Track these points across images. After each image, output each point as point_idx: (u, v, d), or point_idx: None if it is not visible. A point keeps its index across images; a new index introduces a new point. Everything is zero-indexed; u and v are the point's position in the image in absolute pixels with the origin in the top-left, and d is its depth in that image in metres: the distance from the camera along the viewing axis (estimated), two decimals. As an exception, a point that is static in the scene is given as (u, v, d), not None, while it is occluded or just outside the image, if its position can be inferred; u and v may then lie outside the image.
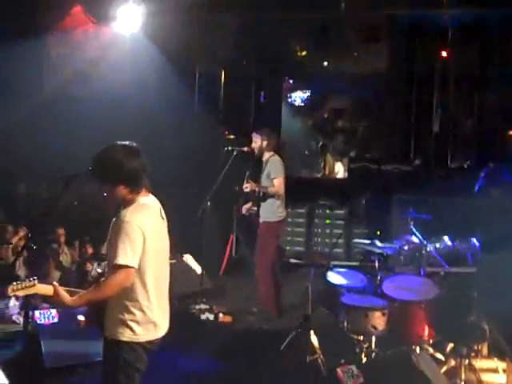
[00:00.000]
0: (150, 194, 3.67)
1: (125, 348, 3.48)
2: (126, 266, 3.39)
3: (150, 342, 3.54)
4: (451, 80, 11.59)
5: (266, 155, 7.08)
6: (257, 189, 6.93)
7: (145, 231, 3.44)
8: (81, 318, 5.70)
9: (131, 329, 3.48)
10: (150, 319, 3.52)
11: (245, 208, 7.24)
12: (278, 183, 6.91)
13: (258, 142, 7.07)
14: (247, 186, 6.95)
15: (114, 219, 3.52)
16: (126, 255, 3.38)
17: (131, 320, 3.48)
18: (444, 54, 11.65)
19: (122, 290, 3.44)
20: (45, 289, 3.48)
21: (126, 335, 3.48)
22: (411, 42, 11.79)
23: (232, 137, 11.54)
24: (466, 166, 10.94)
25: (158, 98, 9.21)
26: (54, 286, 3.47)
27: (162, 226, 3.69)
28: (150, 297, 3.51)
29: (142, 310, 3.50)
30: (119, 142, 3.59)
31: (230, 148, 7.37)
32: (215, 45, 11.02)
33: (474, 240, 6.10)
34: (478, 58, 11.51)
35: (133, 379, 3.53)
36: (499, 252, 5.89)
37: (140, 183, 3.56)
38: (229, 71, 11.63)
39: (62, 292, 3.47)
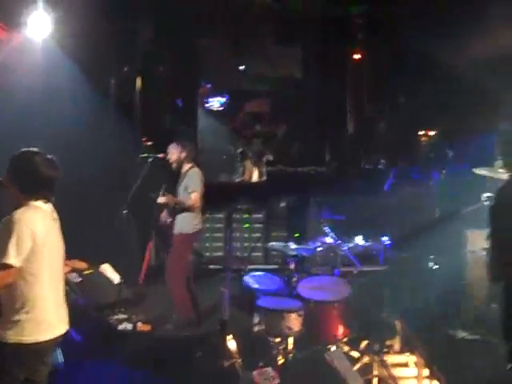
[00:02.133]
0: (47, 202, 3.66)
1: (6, 350, 3.44)
2: (7, 265, 3.37)
3: (40, 343, 3.50)
4: (364, 82, 11.90)
5: (185, 166, 7.05)
6: (172, 202, 6.91)
7: (35, 231, 3.45)
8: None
9: (19, 329, 3.44)
10: (40, 320, 3.49)
11: (162, 218, 7.20)
12: (194, 197, 6.88)
13: (175, 153, 7.03)
14: (162, 199, 6.92)
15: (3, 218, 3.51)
16: (8, 254, 3.37)
17: (19, 320, 3.45)
18: (357, 56, 11.95)
19: (7, 289, 3.43)
20: None
21: (10, 336, 3.44)
22: (324, 45, 12.01)
23: (149, 143, 11.44)
24: (378, 167, 11.24)
25: (71, 105, 9.02)
26: None
27: (54, 227, 3.69)
28: (41, 296, 3.50)
29: (32, 311, 3.47)
30: (35, 150, 3.64)
31: (145, 155, 7.31)
32: (130, 51, 10.92)
33: (386, 238, 6.27)
34: (390, 61, 11.86)
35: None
36: (409, 250, 6.08)
37: (42, 191, 3.60)
38: (144, 77, 11.53)
39: None
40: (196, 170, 7.05)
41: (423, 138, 11.57)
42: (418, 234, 6.13)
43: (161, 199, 6.93)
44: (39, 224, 3.51)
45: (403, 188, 7.88)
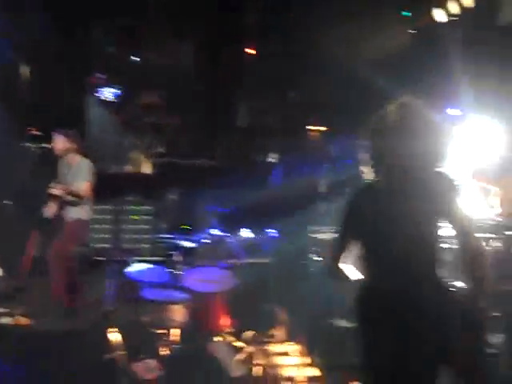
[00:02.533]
0: None
1: None
2: None
3: None
4: (255, 77, 12.02)
5: (73, 157, 6.90)
6: (64, 192, 6.74)
7: None
8: None
9: None
10: None
11: (48, 209, 7.00)
12: (85, 187, 6.77)
13: (60, 143, 6.86)
14: (54, 189, 6.74)
15: None
16: None
17: None
18: (249, 50, 12.06)
19: None
20: None
21: None
22: (217, 38, 12.05)
23: (36, 133, 11.10)
24: (267, 160, 11.41)
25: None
26: None
27: None
28: None
29: None
30: None
31: (31, 145, 7.11)
32: (16, 38, 10.55)
33: (272, 231, 6.39)
34: (281, 55, 12.05)
35: None
36: (294, 241, 6.19)
37: None
38: (33, 66, 11.18)
39: None
40: (85, 160, 6.94)
41: (312, 133, 11.83)
42: (304, 226, 6.26)
43: (53, 190, 6.75)
44: None
45: (291, 181, 8.04)
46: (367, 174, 3.36)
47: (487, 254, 3.33)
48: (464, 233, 3.19)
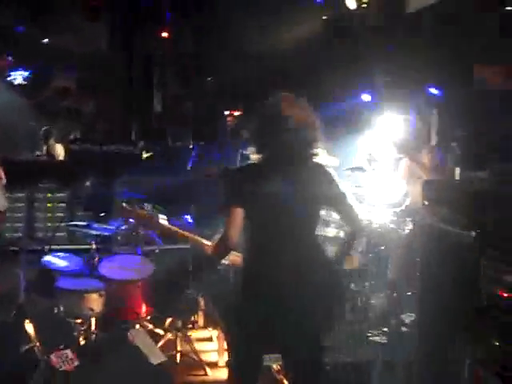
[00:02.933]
0: None
1: None
2: None
3: None
4: (171, 61, 11.94)
5: None
6: None
7: None
8: None
9: None
10: None
11: None
12: None
13: None
14: None
15: None
16: None
17: None
18: (164, 34, 11.94)
19: None
20: None
21: None
22: (130, 22, 11.88)
23: None
24: (183, 145, 11.37)
25: None
26: None
27: None
28: None
29: None
30: None
31: None
32: None
33: (188, 217, 6.38)
34: (196, 40, 12.01)
35: None
36: (211, 227, 6.21)
37: None
38: None
39: None
40: None
41: (228, 119, 11.86)
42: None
43: None
44: None
45: (205, 166, 8.07)
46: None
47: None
48: (346, 217, 3.72)
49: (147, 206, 4.50)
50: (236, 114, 11.77)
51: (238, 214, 3.42)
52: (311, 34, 9.72)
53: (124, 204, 4.18)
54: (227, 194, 3.52)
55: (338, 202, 3.64)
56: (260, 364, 3.72)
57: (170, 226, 4.07)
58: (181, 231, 4.02)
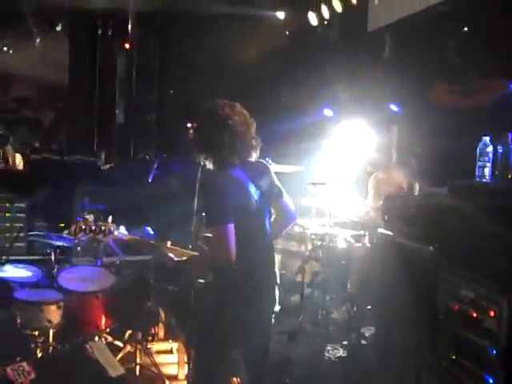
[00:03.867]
0: None
1: None
2: None
3: None
4: (133, 72, 11.89)
5: None
6: None
7: None
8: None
9: None
10: None
11: None
12: None
13: None
14: None
15: None
16: None
17: None
18: (126, 46, 11.90)
19: None
20: None
21: None
22: (93, 34, 11.82)
23: None
24: (145, 157, 11.33)
25: None
26: None
27: None
28: None
29: None
30: None
31: None
32: None
33: (149, 228, 6.34)
34: (159, 52, 12.00)
35: None
36: (171, 239, 6.19)
37: None
38: None
39: None
40: None
41: (191, 131, 11.78)
42: (179, 223, 6.29)
43: None
44: None
45: (165, 179, 8.05)
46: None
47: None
48: (286, 208, 4.00)
49: (110, 219, 4.45)
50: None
51: (232, 228, 3.54)
52: (274, 48, 9.80)
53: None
54: (219, 213, 3.57)
55: (281, 194, 3.93)
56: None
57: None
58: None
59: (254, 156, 3.80)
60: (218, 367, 3.77)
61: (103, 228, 4.37)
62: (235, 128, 3.66)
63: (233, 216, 3.54)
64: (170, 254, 4.09)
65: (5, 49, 12.77)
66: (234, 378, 4.59)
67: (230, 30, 10.15)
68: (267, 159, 4.54)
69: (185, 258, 4.02)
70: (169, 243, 4.17)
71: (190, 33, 11.36)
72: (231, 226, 3.53)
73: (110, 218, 4.39)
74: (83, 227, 4.38)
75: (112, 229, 4.42)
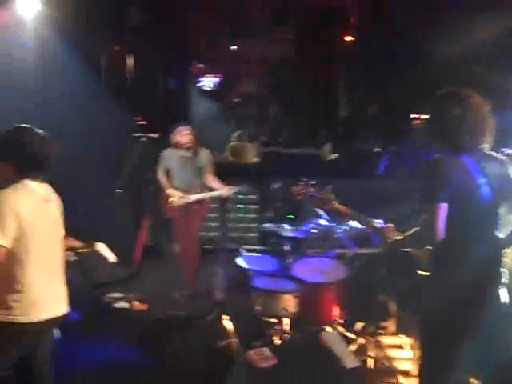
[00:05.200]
0: (40, 181, 3.64)
1: (3, 329, 3.45)
2: None
3: (34, 323, 3.51)
4: (358, 64, 11.89)
5: (199, 149, 7.06)
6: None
7: (19, 211, 3.41)
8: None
9: (11, 309, 3.45)
10: (32, 300, 3.49)
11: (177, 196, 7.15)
12: (212, 175, 7.03)
13: (187, 136, 6.98)
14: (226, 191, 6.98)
15: None
16: None
17: (11, 300, 3.45)
18: (349, 38, 11.94)
19: (2, 271, 3.41)
20: None
21: (3, 316, 3.45)
22: (317, 27, 11.99)
23: (142, 123, 11.42)
24: (371, 149, 11.26)
25: (63, 83, 8.95)
26: None
27: (46, 209, 3.63)
28: (32, 277, 3.49)
29: (24, 291, 3.47)
30: (27, 126, 3.60)
31: (139, 134, 7.30)
32: (122, 28, 10.85)
33: (380, 221, 6.28)
34: (382, 44, 11.85)
35: None
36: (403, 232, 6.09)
37: (33, 169, 3.56)
38: (137, 56, 11.48)
39: None
40: (206, 150, 7.12)
41: (416, 122, 11.58)
42: (412, 216, 6.14)
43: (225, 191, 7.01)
44: (25, 204, 3.45)
45: (397, 171, 7.90)
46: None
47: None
48: None
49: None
50: (423, 117, 11.47)
51: (444, 209, 3.49)
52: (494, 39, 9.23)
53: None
54: (433, 191, 3.54)
55: None
56: None
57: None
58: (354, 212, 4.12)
59: (487, 146, 3.67)
60: (445, 365, 3.67)
61: (322, 196, 4.58)
62: (474, 111, 3.59)
63: (448, 200, 3.48)
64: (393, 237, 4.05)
65: (234, 47, 13.44)
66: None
67: (454, 19, 9.76)
68: (505, 150, 4.30)
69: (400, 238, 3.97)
70: (392, 226, 4.12)
71: (412, 23, 11.08)
72: (443, 207, 3.47)
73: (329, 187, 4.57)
74: (303, 190, 4.71)
75: (331, 198, 4.59)
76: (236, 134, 12.22)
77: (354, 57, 11.91)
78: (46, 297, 3.57)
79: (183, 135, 7.01)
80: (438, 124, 3.71)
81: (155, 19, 11.25)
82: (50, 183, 3.72)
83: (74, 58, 9.08)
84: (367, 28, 11.85)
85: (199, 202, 7.06)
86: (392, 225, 4.17)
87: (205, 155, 7.09)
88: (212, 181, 7.07)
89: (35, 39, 8.90)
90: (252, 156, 10.52)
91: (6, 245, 3.38)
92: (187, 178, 7.00)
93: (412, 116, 11.58)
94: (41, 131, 3.63)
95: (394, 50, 11.55)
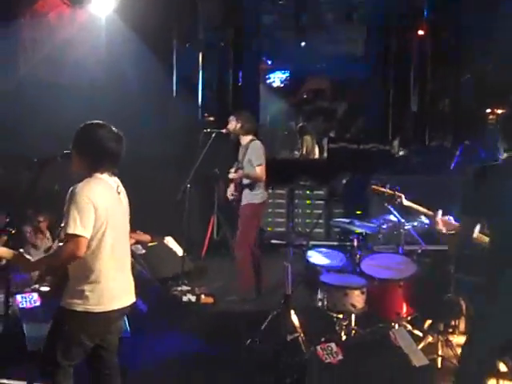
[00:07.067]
0: (112, 175, 3.74)
1: (73, 317, 3.56)
2: (76, 235, 3.46)
3: (106, 312, 3.60)
4: (428, 59, 11.66)
5: (246, 139, 7.05)
6: (242, 177, 6.96)
7: (96, 203, 3.51)
8: (45, 289, 5.74)
9: (85, 298, 3.54)
10: (105, 290, 3.59)
11: (229, 192, 7.21)
12: (260, 170, 6.90)
13: (232, 123, 7.04)
14: (234, 175, 6.99)
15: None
16: (75, 224, 3.45)
17: (85, 290, 3.55)
18: (420, 32, 11.71)
19: (77, 260, 3.51)
20: (5, 252, 3.70)
21: (78, 305, 3.55)
22: (387, 21, 11.84)
23: (211, 119, 11.55)
24: (443, 145, 11.04)
25: (135, 80, 9.15)
26: (16, 252, 3.68)
27: (118, 201, 3.73)
28: (105, 268, 3.58)
29: (97, 281, 3.56)
30: (100, 123, 3.72)
31: (208, 130, 7.37)
32: (193, 26, 10.99)
33: (451, 218, 6.14)
34: (454, 37, 11.58)
35: (69, 350, 3.60)
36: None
37: (105, 164, 3.66)
38: (206, 53, 11.59)
39: (23, 257, 3.69)
40: (257, 142, 7.05)
41: (490, 117, 11.26)
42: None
43: (233, 175, 7.01)
44: (101, 196, 3.56)
45: (470, 167, 7.66)
46: None
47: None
48: None
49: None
50: (498, 111, 11.14)
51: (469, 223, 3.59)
52: None
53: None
54: (465, 201, 3.62)
55: None
56: None
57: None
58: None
59: None
60: (481, 370, 3.67)
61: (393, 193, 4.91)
62: None
63: (481, 213, 3.48)
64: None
65: (302, 44, 13.43)
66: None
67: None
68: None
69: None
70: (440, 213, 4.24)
71: (485, 15, 10.77)
72: (468, 221, 3.53)
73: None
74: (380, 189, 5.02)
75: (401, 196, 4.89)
76: (298, 128, 12.19)
77: (426, 52, 11.67)
78: (117, 287, 3.67)
79: (228, 122, 7.07)
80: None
81: (226, 17, 11.33)
82: (120, 177, 3.82)
83: (146, 56, 9.27)
84: (439, 20, 11.59)
85: (243, 202, 7.02)
86: (448, 217, 4.12)
87: (252, 146, 7.02)
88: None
89: (107, 36, 9.14)
90: (317, 152, 10.47)
91: (87, 236, 3.48)
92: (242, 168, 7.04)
93: (487, 111, 11.27)
94: (113, 128, 3.72)
95: (466, 44, 11.28)
